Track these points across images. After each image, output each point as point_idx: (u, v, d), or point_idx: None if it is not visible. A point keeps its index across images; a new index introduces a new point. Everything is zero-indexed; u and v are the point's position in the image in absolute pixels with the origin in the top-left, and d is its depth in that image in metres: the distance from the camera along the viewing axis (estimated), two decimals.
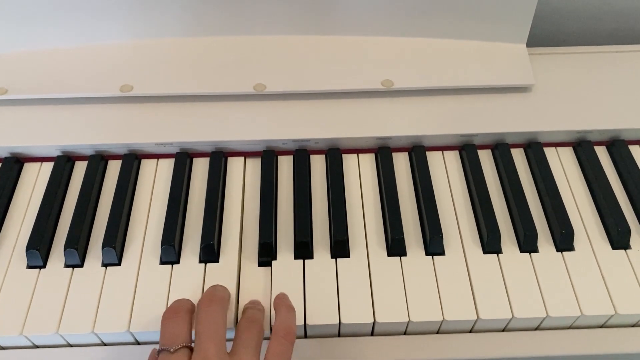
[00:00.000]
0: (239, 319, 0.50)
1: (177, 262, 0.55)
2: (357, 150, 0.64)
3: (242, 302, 0.52)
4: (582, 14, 0.78)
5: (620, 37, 0.81)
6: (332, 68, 0.65)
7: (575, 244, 0.56)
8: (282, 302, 0.51)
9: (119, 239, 0.55)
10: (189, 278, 0.54)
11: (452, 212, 0.59)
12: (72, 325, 0.51)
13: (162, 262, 0.55)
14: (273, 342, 0.47)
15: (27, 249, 0.54)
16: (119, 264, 0.55)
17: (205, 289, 0.52)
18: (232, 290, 0.53)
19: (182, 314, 0.48)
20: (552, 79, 0.67)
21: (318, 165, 0.63)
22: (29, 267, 0.55)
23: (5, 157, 0.62)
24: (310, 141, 0.62)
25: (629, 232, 0.56)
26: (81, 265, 0.55)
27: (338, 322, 0.51)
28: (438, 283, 0.53)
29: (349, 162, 0.63)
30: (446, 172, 0.62)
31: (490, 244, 0.55)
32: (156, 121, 0.62)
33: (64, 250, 0.54)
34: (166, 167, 0.62)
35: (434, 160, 0.63)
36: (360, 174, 0.62)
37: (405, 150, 0.64)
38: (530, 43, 0.68)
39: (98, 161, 0.61)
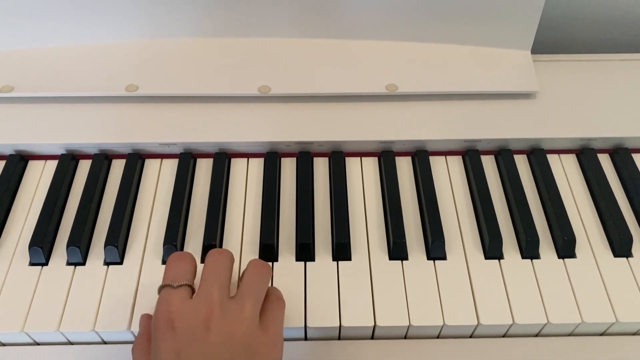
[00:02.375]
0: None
1: None
2: (361, 154, 0.64)
3: None
4: (587, 22, 0.78)
5: (625, 46, 0.81)
6: (336, 71, 0.65)
7: (577, 251, 0.56)
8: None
9: (121, 238, 0.55)
10: None
11: (454, 217, 0.59)
12: (73, 323, 0.51)
13: (164, 262, 0.55)
14: (266, 304, 0.48)
15: (30, 246, 0.54)
16: (121, 263, 0.55)
17: None
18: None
19: (186, 257, 0.49)
20: (557, 86, 0.67)
21: (321, 167, 0.63)
22: (32, 264, 0.55)
23: (10, 155, 0.62)
24: (314, 144, 0.62)
25: (631, 240, 0.56)
26: (83, 264, 0.55)
27: (338, 324, 0.51)
28: (439, 287, 0.53)
29: (352, 165, 0.63)
30: (449, 177, 0.62)
31: (492, 249, 0.55)
32: (160, 121, 0.62)
33: (67, 248, 0.54)
34: (170, 167, 0.62)
35: (437, 165, 0.63)
36: (363, 178, 0.62)
37: (408, 154, 0.64)
38: (535, 50, 0.68)
39: (102, 160, 0.62)
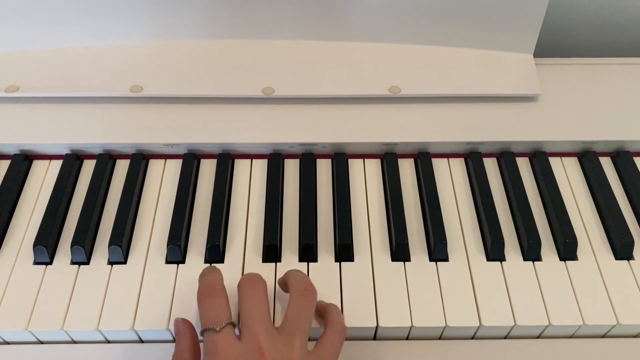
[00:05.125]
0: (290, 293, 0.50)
1: (183, 261, 0.55)
2: (363, 155, 0.64)
3: None
4: (590, 26, 0.79)
5: (627, 49, 0.81)
6: (340, 73, 0.65)
7: (579, 253, 0.57)
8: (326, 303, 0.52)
9: (125, 238, 0.56)
10: (194, 278, 0.54)
11: (456, 219, 0.59)
12: (77, 322, 0.51)
13: (167, 262, 0.55)
14: (327, 334, 0.47)
15: (35, 245, 0.54)
16: (124, 263, 0.55)
17: None
18: (235, 292, 0.53)
19: (218, 291, 0.48)
20: (559, 89, 0.67)
21: (324, 169, 0.63)
22: (36, 263, 0.55)
23: (15, 154, 0.63)
24: (317, 145, 0.63)
25: (632, 242, 0.56)
26: (87, 263, 0.55)
27: None
28: (441, 289, 0.54)
29: (355, 166, 0.63)
30: (451, 179, 0.62)
31: (494, 251, 0.56)
32: (165, 122, 0.63)
33: (71, 247, 0.54)
34: (174, 167, 0.63)
35: (440, 167, 0.63)
36: (365, 179, 0.62)
37: (411, 156, 0.64)
38: (538, 53, 0.68)
39: (106, 160, 0.62)
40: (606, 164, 0.64)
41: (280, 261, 0.56)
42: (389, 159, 0.63)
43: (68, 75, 0.65)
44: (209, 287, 0.49)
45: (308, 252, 0.55)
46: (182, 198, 0.59)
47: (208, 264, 0.55)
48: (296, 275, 0.50)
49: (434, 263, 0.55)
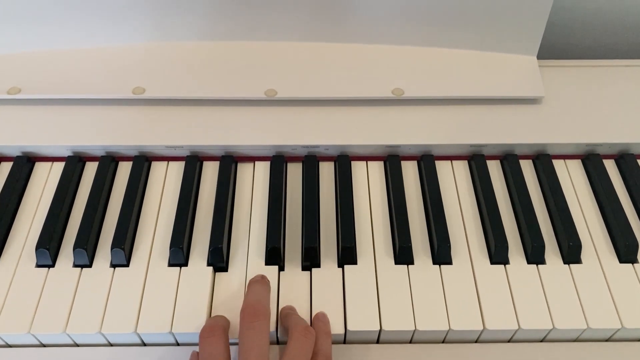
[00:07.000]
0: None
1: (185, 264, 0.55)
2: (367, 158, 0.64)
3: None
4: (593, 28, 0.79)
5: (631, 51, 0.81)
6: (343, 75, 0.65)
7: (583, 256, 0.56)
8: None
9: (127, 240, 0.56)
10: (197, 281, 0.54)
11: (460, 222, 0.59)
12: (80, 325, 0.51)
13: (170, 265, 0.55)
14: (318, 341, 0.49)
15: (37, 248, 0.54)
16: (127, 265, 0.55)
17: (214, 294, 0.53)
18: (239, 295, 0.53)
19: (218, 332, 0.48)
20: (562, 91, 0.67)
21: (327, 171, 0.63)
22: (38, 266, 0.55)
23: (17, 156, 0.62)
24: (320, 147, 0.63)
25: (636, 246, 0.56)
26: (90, 266, 0.55)
27: (344, 329, 0.51)
28: (445, 292, 0.53)
29: (358, 169, 0.63)
30: (455, 181, 0.62)
31: (498, 254, 0.55)
32: (167, 124, 0.63)
33: (73, 250, 0.54)
34: (176, 170, 0.63)
35: (443, 169, 0.63)
36: (369, 182, 0.62)
37: (414, 159, 0.64)
38: (541, 55, 0.68)
39: (109, 162, 0.62)
40: (610, 166, 0.64)
41: (282, 263, 0.55)
42: (392, 161, 0.62)
43: (70, 77, 0.65)
44: (210, 326, 0.49)
45: (311, 255, 0.55)
46: (184, 200, 0.58)
47: (211, 267, 0.55)
48: (297, 318, 0.51)
49: (438, 266, 0.55)
